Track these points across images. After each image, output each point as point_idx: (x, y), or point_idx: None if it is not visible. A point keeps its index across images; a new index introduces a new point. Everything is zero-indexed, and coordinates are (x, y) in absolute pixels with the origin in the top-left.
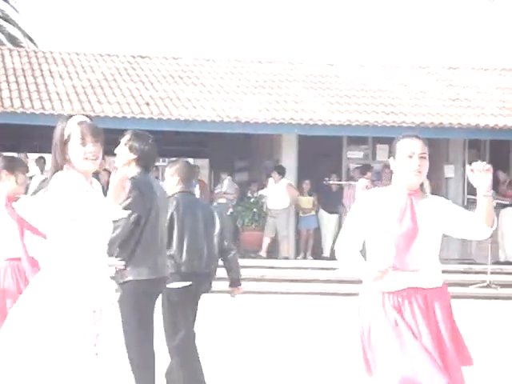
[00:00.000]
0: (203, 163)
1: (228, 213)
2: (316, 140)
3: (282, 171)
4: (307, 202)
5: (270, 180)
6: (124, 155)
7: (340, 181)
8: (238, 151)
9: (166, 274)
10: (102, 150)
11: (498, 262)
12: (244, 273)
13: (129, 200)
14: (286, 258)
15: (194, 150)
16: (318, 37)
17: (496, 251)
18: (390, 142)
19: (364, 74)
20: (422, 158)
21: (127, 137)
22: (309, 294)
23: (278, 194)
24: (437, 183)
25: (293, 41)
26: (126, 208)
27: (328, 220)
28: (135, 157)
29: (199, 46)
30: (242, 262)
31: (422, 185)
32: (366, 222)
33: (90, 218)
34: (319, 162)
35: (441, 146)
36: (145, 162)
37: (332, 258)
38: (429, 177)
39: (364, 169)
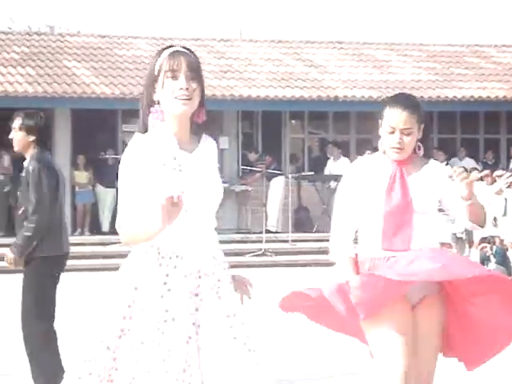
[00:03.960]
0: None
1: (5, 190)
2: (90, 114)
3: None
4: (82, 176)
5: None
6: (22, 139)
7: (116, 155)
8: (9, 126)
9: (68, 251)
10: (200, 93)
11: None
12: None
13: (43, 179)
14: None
15: None
16: (91, 7)
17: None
18: None
19: (136, 45)
20: (404, 133)
21: (19, 119)
22: (88, 271)
23: None
24: None
25: (65, 12)
26: (40, 188)
27: (105, 194)
28: (34, 138)
29: None
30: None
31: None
32: (357, 199)
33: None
34: (94, 136)
35: (215, 118)
36: (43, 139)
37: (111, 232)
38: None
39: None
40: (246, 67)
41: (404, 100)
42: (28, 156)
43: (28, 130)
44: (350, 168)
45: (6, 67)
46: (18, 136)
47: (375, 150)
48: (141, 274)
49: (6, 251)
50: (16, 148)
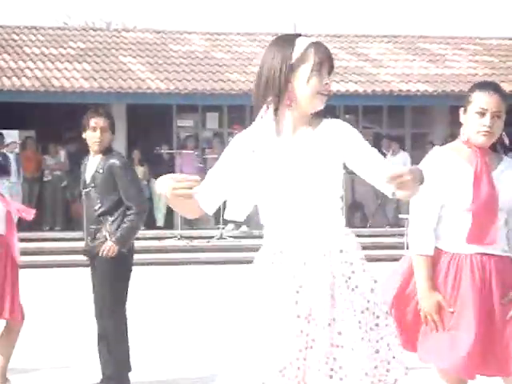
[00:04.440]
0: (29, 134)
1: (62, 185)
2: (145, 109)
3: None
4: (137, 171)
5: None
6: (110, 138)
7: (171, 150)
8: (65, 121)
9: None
10: None
11: None
12: (73, 245)
13: (135, 174)
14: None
15: (20, 121)
16: (147, 3)
17: None
18: (219, 109)
19: (191, 41)
20: (495, 116)
21: (104, 119)
22: (142, 265)
23: None
24: None
25: (122, 7)
26: (137, 182)
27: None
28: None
29: (22, 13)
30: (73, 234)
31: (496, 143)
32: (438, 191)
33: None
34: (149, 131)
35: None
36: None
37: (166, 227)
38: None
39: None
40: None
41: (495, 85)
42: (105, 153)
43: (112, 129)
44: (431, 159)
45: (62, 63)
46: (108, 136)
47: (433, 144)
48: (257, 270)
49: (109, 243)
50: (100, 147)
